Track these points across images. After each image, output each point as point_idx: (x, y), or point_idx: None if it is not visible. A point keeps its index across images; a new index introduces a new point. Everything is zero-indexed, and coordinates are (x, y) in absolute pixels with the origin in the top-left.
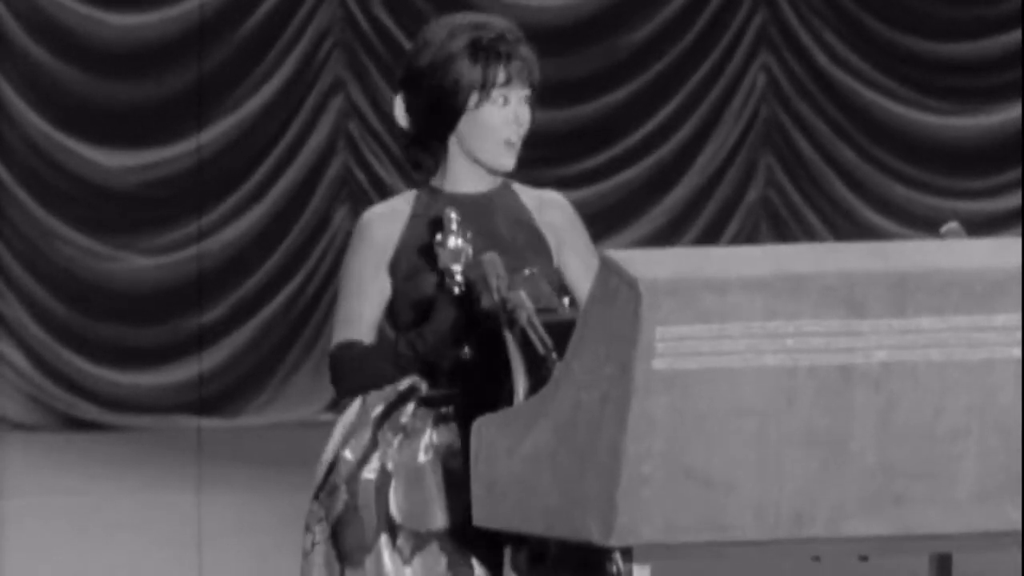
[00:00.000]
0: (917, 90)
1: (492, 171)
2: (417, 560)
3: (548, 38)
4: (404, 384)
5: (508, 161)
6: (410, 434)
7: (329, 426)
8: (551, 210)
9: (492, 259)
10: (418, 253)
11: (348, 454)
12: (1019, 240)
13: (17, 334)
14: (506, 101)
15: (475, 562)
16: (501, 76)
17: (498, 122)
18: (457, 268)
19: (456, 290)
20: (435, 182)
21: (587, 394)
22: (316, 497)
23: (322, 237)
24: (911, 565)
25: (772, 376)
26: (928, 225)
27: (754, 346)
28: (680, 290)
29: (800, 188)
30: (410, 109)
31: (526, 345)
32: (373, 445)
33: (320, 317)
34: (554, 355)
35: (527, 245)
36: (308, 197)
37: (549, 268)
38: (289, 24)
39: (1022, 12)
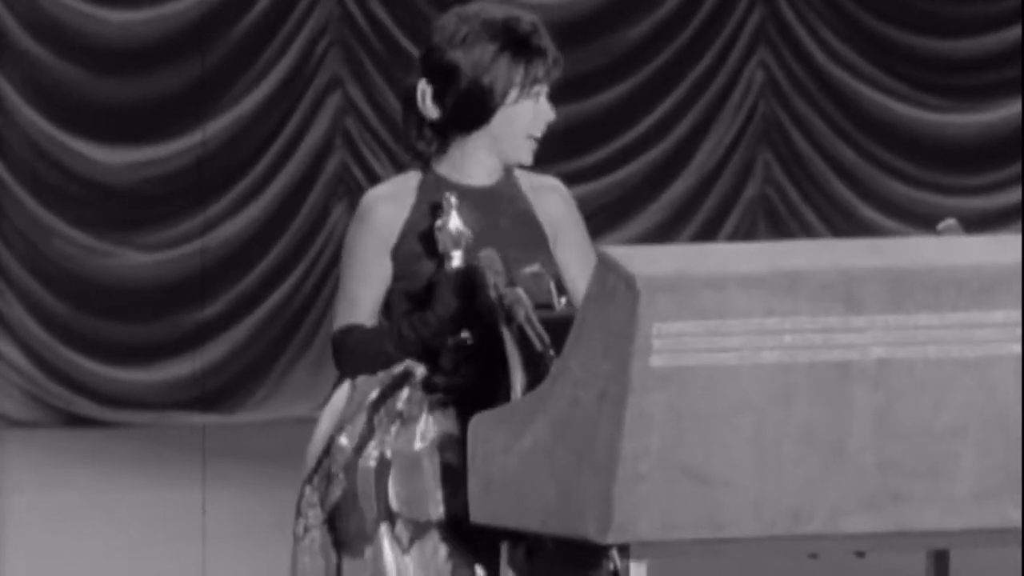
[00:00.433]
0: (915, 87)
1: (511, 164)
2: (416, 549)
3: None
4: (398, 368)
5: (529, 156)
6: (406, 421)
7: None
8: (549, 197)
9: (489, 255)
10: (418, 239)
11: (344, 440)
12: (1018, 237)
13: (17, 331)
14: (539, 96)
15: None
16: (540, 71)
17: (530, 118)
18: (457, 253)
19: (455, 274)
20: (442, 170)
21: (584, 391)
22: (309, 481)
23: (320, 233)
24: (909, 562)
25: (769, 373)
26: (926, 222)
27: (752, 343)
28: (677, 287)
29: (798, 185)
30: (439, 99)
31: (523, 342)
32: (369, 432)
33: (318, 313)
34: (551, 352)
35: (530, 240)
36: (306, 194)
37: (551, 264)
38: (286, 21)
39: (1021, 9)
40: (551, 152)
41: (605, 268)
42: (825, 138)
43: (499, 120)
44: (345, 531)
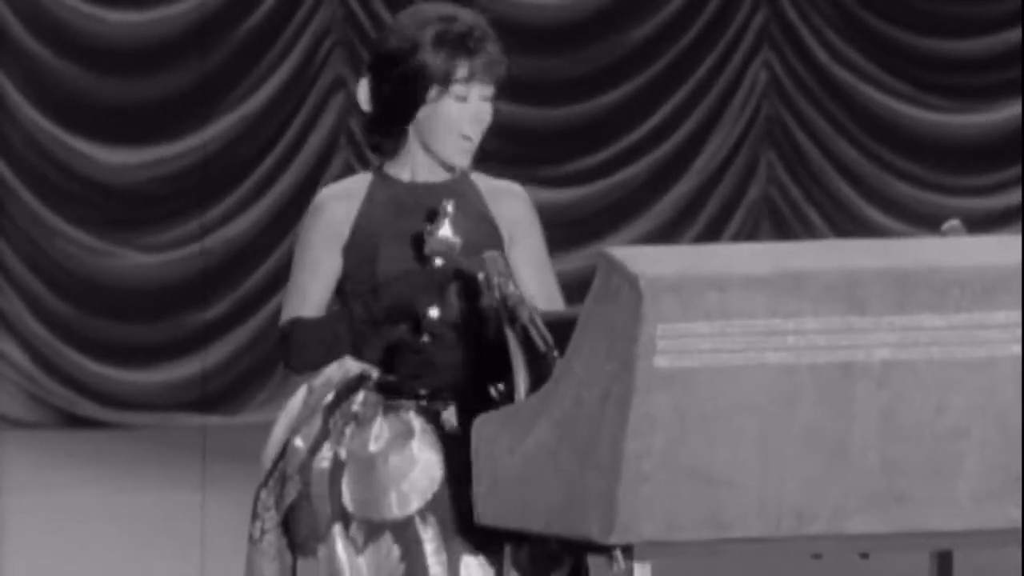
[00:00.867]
0: (918, 87)
1: (444, 163)
2: (370, 550)
3: (549, 35)
4: (354, 371)
5: (462, 158)
6: (361, 422)
7: None
8: (508, 201)
9: (493, 256)
10: (409, 241)
11: (299, 442)
12: (1020, 237)
13: (18, 331)
14: (467, 97)
15: (428, 551)
16: (464, 71)
17: (455, 117)
18: (439, 262)
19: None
20: (391, 169)
21: (588, 392)
22: (265, 484)
23: None
24: (912, 563)
25: (773, 374)
26: (929, 222)
27: (755, 344)
28: (681, 287)
29: (801, 186)
30: (373, 94)
31: (527, 342)
32: (324, 434)
33: None
34: (555, 352)
35: (487, 240)
36: (309, 195)
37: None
38: (290, 22)
39: (1023, 9)
40: (554, 153)
41: (609, 269)
42: (828, 139)
43: (424, 116)
44: (299, 532)
